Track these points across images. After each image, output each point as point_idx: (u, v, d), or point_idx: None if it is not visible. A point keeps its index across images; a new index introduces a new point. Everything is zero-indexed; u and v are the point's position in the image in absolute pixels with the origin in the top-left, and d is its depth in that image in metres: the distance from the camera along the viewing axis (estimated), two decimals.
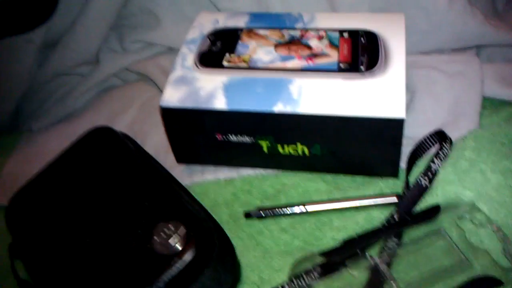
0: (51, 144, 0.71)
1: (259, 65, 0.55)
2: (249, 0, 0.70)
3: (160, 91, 0.72)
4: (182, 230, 0.45)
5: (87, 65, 0.78)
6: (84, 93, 0.78)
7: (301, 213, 0.54)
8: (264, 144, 0.55)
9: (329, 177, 0.57)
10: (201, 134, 0.56)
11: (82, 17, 0.72)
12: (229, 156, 0.58)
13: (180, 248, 0.44)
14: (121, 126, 0.71)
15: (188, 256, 0.43)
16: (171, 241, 0.44)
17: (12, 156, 0.74)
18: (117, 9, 0.73)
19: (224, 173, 0.60)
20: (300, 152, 0.54)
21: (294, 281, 0.46)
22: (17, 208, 0.55)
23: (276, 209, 0.54)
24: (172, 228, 0.45)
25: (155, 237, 0.45)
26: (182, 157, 0.61)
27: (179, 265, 0.43)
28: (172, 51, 0.76)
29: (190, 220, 0.46)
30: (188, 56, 0.58)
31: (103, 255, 0.46)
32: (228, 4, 0.71)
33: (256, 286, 0.49)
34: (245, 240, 0.53)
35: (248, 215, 0.54)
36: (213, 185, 0.59)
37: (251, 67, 0.55)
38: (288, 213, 0.54)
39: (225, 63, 0.56)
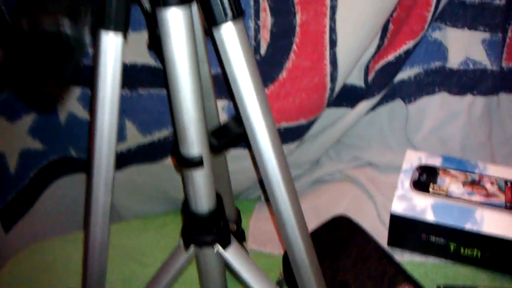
0: None
1: (453, 195, 0.90)
2: (438, 143, 1.05)
3: (366, 191, 1.08)
4: None
5: (309, 164, 1.16)
6: (304, 183, 1.15)
7: None
8: (452, 246, 0.89)
9: (489, 272, 0.89)
10: (412, 232, 0.91)
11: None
12: (425, 248, 0.92)
13: None
14: (338, 211, 1.07)
15: None
16: None
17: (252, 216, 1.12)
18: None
19: (418, 258, 0.94)
20: (474, 254, 0.88)
21: None
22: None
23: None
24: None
25: None
26: (393, 243, 0.95)
27: None
28: (371, 165, 1.13)
29: (415, 284, 0.80)
30: (405, 181, 0.94)
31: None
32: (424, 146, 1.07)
33: None
34: None
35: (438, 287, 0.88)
36: (408, 264, 0.93)
37: (448, 196, 0.90)
38: None
39: (430, 190, 0.91)
